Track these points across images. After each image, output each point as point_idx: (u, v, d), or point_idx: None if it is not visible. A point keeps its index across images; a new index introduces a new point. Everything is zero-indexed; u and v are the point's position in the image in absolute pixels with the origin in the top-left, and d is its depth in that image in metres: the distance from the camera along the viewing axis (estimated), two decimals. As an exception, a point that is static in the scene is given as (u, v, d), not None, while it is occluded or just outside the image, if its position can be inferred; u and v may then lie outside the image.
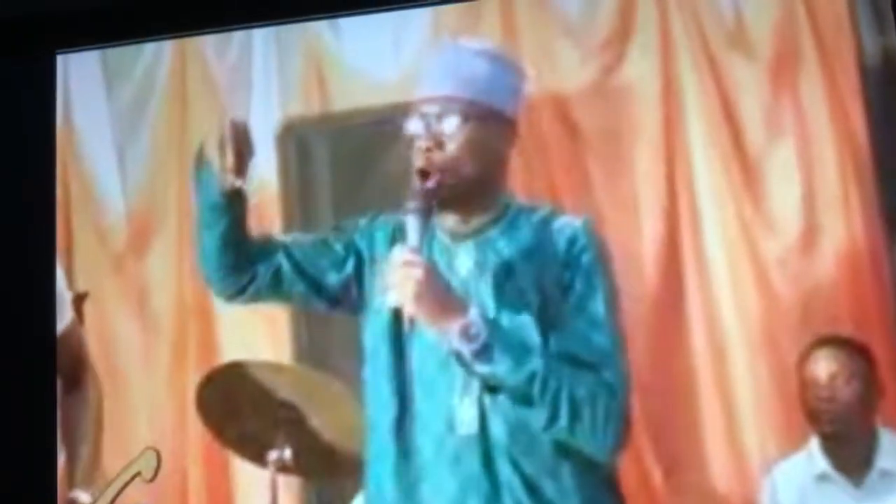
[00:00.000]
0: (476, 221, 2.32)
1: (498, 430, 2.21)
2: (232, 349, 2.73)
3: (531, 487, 2.20)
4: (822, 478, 2.46)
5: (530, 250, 2.29)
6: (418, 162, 2.29)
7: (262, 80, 2.87)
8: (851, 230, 2.57)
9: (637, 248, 2.64)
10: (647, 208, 2.66)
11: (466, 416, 2.22)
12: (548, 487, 2.20)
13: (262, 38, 2.88)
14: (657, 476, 2.56)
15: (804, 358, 2.50)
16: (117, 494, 2.60)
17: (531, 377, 2.17)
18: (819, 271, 2.57)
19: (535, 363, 2.18)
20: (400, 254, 2.20)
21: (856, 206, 2.58)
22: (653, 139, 2.69)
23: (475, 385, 2.23)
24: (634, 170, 2.68)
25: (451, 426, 2.22)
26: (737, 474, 2.53)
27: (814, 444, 2.48)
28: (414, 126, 2.33)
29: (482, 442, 2.21)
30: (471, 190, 2.31)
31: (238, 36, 2.90)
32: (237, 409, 2.60)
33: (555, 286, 2.26)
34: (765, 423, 2.53)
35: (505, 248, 2.30)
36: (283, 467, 2.55)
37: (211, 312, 2.77)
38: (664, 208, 2.66)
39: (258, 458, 2.57)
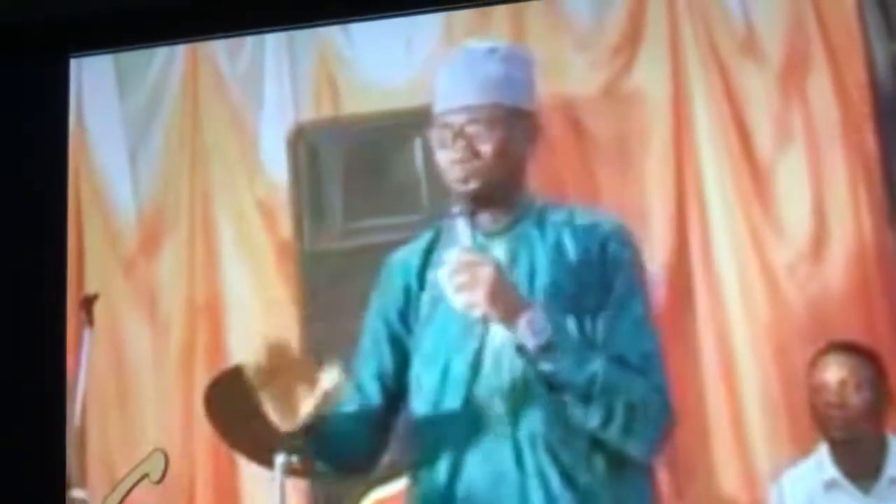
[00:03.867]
0: (506, 218, 2.34)
1: (533, 420, 2.21)
2: (241, 351, 2.72)
3: (567, 478, 2.20)
4: (831, 485, 2.45)
5: (560, 245, 2.31)
6: (456, 172, 2.31)
7: (273, 85, 2.89)
8: (861, 237, 2.57)
9: (646, 254, 2.64)
10: (657, 215, 2.66)
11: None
12: (582, 478, 2.20)
13: (274, 43, 2.90)
14: (665, 483, 2.54)
15: (814, 363, 2.49)
16: (125, 496, 2.60)
17: (592, 378, 2.18)
18: (829, 278, 2.56)
19: (597, 364, 2.19)
20: (458, 256, 2.21)
21: (866, 213, 2.57)
22: (662, 145, 2.69)
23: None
24: (643, 176, 2.69)
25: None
26: (745, 480, 2.52)
27: (823, 450, 2.47)
28: (442, 137, 2.34)
29: (514, 433, 2.21)
30: (503, 189, 2.34)
31: (250, 40, 2.91)
32: (245, 411, 2.58)
33: (593, 283, 2.27)
34: (774, 429, 2.52)
35: (536, 242, 2.32)
36: (291, 469, 2.54)
37: (220, 314, 2.78)
38: (673, 215, 2.66)
39: (266, 460, 2.56)
